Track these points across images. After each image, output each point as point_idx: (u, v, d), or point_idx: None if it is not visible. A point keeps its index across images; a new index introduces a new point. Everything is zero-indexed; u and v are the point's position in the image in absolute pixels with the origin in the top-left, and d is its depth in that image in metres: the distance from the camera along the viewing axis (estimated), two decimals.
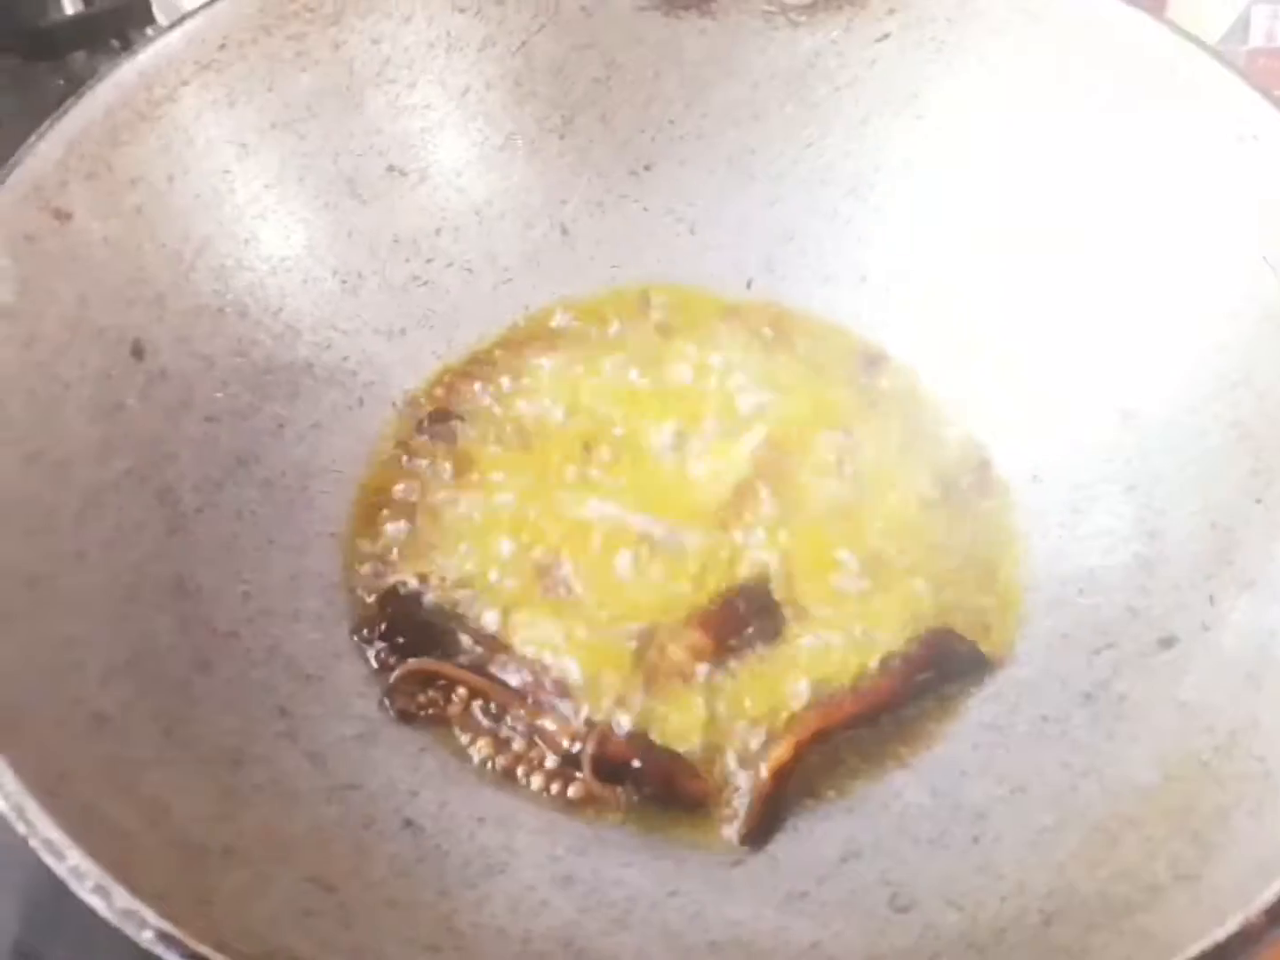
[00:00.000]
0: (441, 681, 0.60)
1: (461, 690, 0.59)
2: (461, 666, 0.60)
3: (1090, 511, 0.62)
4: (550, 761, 0.58)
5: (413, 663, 0.60)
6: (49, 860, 0.41)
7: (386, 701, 0.59)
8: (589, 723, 0.58)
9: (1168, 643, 0.56)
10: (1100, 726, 0.55)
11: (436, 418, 0.69)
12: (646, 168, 0.74)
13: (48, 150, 0.58)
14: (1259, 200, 0.60)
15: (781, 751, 0.57)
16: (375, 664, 0.60)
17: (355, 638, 0.61)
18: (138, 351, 0.60)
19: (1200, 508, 0.58)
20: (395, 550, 0.64)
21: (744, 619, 0.61)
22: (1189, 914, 0.43)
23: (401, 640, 0.60)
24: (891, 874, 0.53)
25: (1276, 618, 0.53)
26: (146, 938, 0.39)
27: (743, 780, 0.57)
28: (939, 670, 0.59)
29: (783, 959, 0.50)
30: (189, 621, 0.57)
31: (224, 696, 0.55)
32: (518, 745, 0.58)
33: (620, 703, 0.58)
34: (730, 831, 0.56)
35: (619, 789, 0.56)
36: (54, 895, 0.56)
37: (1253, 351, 0.59)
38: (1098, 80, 0.65)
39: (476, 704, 0.59)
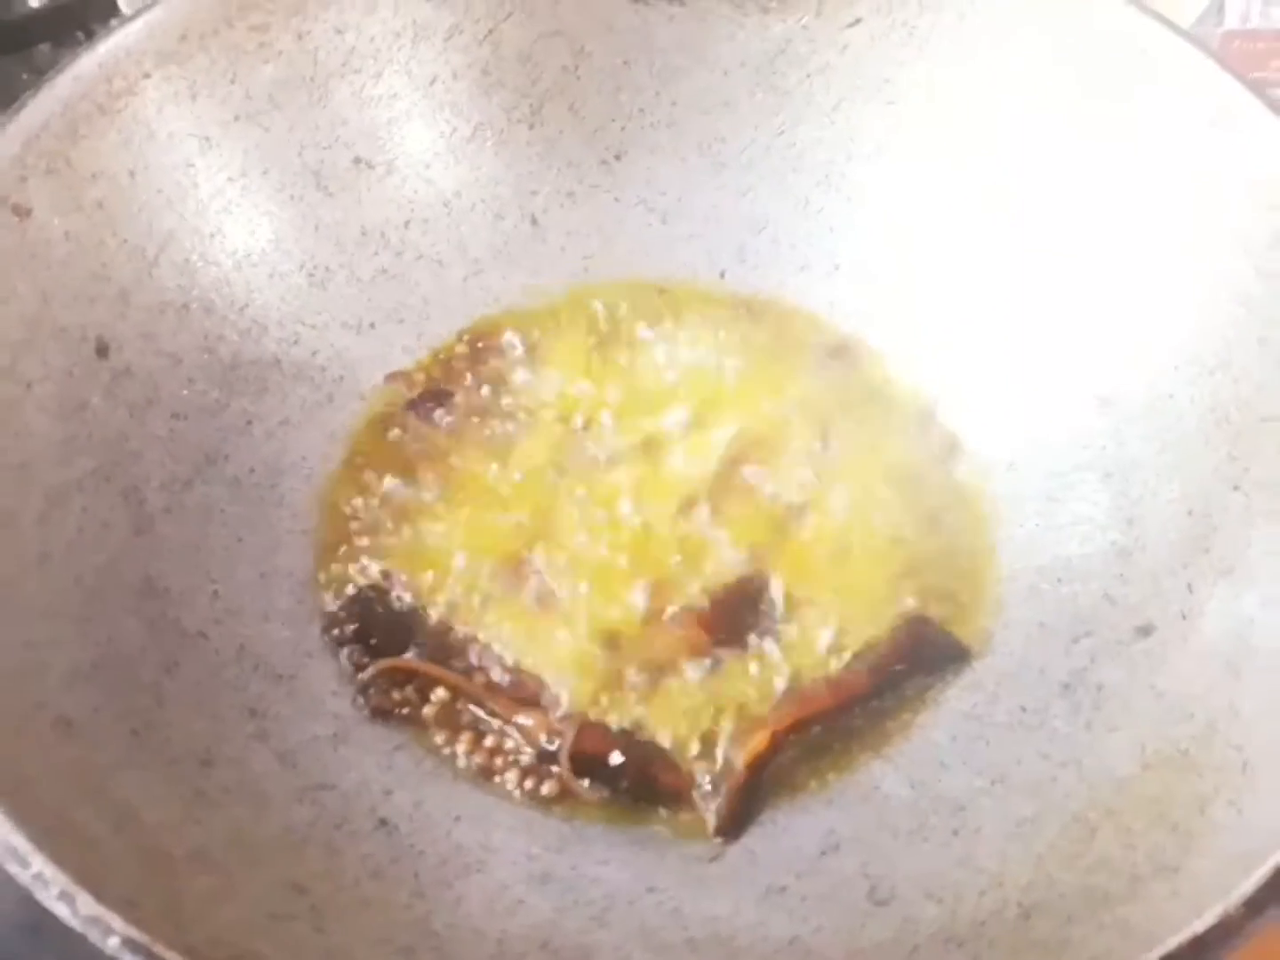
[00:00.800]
0: (416, 680, 0.59)
1: (439, 690, 0.59)
2: (436, 664, 0.59)
3: (1067, 499, 0.62)
4: (527, 758, 0.57)
5: (386, 661, 0.59)
6: (13, 868, 0.40)
7: (360, 699, 0.58)
8: (567, 718, 0.57)
9: (1145, 631, 0.55)
10: (1079, 716, 0.55)
11: (415, 407, 0.68)
12: (617, 157, 0.74)
13: (5, 145, 0.57)
14: (1233, 184, 0.59)
15: (757, 742, 0.56)
16: (349, 664, 0.59)
17: (326, 637, 0.60)
18: (101, 349, 0.60)
19: (1178, 495, 0.58)
20: (366, 546, 0.63)
21: (737, 614, 0.60)
22: (1168, 905, 0.43)
23: (374, 641, 0.60)
24: (871, 867, 0.52)
25: (1254, 605, 0.52)
26: (112, 944, 0.39)
27: (719, 772, 0.56)
28: (916, 661, 0.59)
29: (761, 954, 0.49)
30: (156, 623, 0.56)
31: (193, 698, 0.55)
32: (492, 742, 0.58)
33: (602, 698, 0.58)
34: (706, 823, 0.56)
35: (592, 784, 0.56)
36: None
37: (1229, 337, 0.59)
38: (1071, 64, 0.64)
39: (452, 702, 0.59)
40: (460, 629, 0.60)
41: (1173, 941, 0.39)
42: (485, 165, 0.72)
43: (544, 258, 0.73)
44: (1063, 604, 0.59)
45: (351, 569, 0.62)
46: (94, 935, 0.39)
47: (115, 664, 0.53)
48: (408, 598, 0.61)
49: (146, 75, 0.62)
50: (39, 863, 0.40)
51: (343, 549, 0.63)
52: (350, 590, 0.61)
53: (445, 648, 0.60)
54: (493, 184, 0.73)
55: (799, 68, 0.71)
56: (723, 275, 0.73)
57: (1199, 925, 0.40)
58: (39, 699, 0.49)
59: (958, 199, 0.68)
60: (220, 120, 0.65)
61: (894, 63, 0.69)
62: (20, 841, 0.40)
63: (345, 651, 0.60)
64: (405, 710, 0.58)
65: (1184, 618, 0.54)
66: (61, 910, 0.40)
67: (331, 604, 0.61)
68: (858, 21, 0.69)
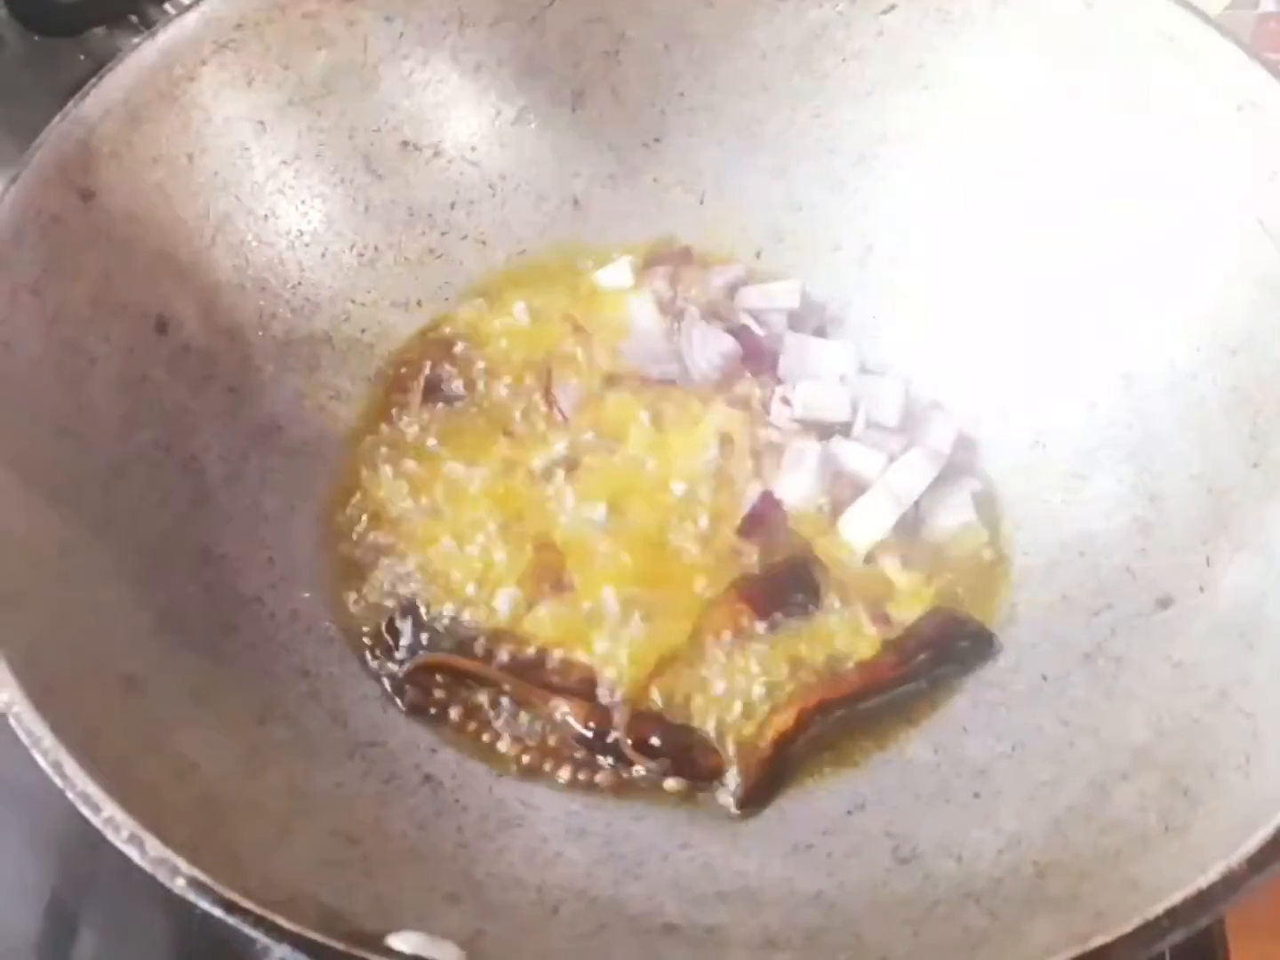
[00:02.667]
0: (453, 676, 0.60)
1: (476, 687, 0.60)
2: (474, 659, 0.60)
3: (1091, 476, 0.63)
4: (570, 749, 0.58)
5: (423, 657, 0.60)
6: (86, 812, 0.43)
7: (397, 699, 0.60)
8: (616, 705, 0.59)
9: (1164, 603, 0.57)
10: (1098, 685, 0.56)
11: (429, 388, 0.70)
12: (656, 140, 0.75)
13: (71, 130, 0.60)
14: (1258, 168, 0.60)
15: (784, 721, 0.58)
16: (390, 688, 0.60)
17: (369, 656, 0.61)
18: (161, 326, 0.62)
19: (1199, 472, 0.59)
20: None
21: (786, 591, 0.62)
22: (1176, 863, 0.45)
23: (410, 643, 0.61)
24: (894, 827, 0.54)
25: (1269, 579, 0.54)
26: (179, 885, 0.41)
27: (746, 749, 0.58)
28: (942, 650, 0.61)
29: (788, 907, 0.52)
30: (214, 587, 0.59)
31: (249, 659, 0.58)
32: (535, 741, 0.59)
33: (639, 681, 0.60)
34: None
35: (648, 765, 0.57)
36: (88, 854, 0.59)
37: (1252, 317, 0.60)
38: (1100, 49, 0.65)
39: (494, 700, 0.60)
40: (491, 625, 0.62)
41: (1178, 896, 0.41)
42: (529, 148, 0.74)
43: (585, 238, 0.75)
44: (1085, 577, 0.61)
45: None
46: (161, 875, 0.42)
47: (176, 626, 0.56)
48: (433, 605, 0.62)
49: (204, 62, 0.65)
50: (110, 808, 0.43)
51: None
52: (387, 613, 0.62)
53: (478, 646, 0.61)
54: (536, 166, 0.75)
55: (835, 52, 0.72)
56: (759, 255, 0.75)
57: (1203, 881, 0.41)
58: (106, 659, 0.51)
59: (987, 180, 0.70)
60: (275, 105, 0.67)
61: (928, 48, 0.70)
62: (93, 789, 0.43)
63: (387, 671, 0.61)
64: (438, 708, 0.60)
65: (1202, 590, 0.56)
66: (132, 852, 0.42)
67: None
68: (893, 8, 0.70)
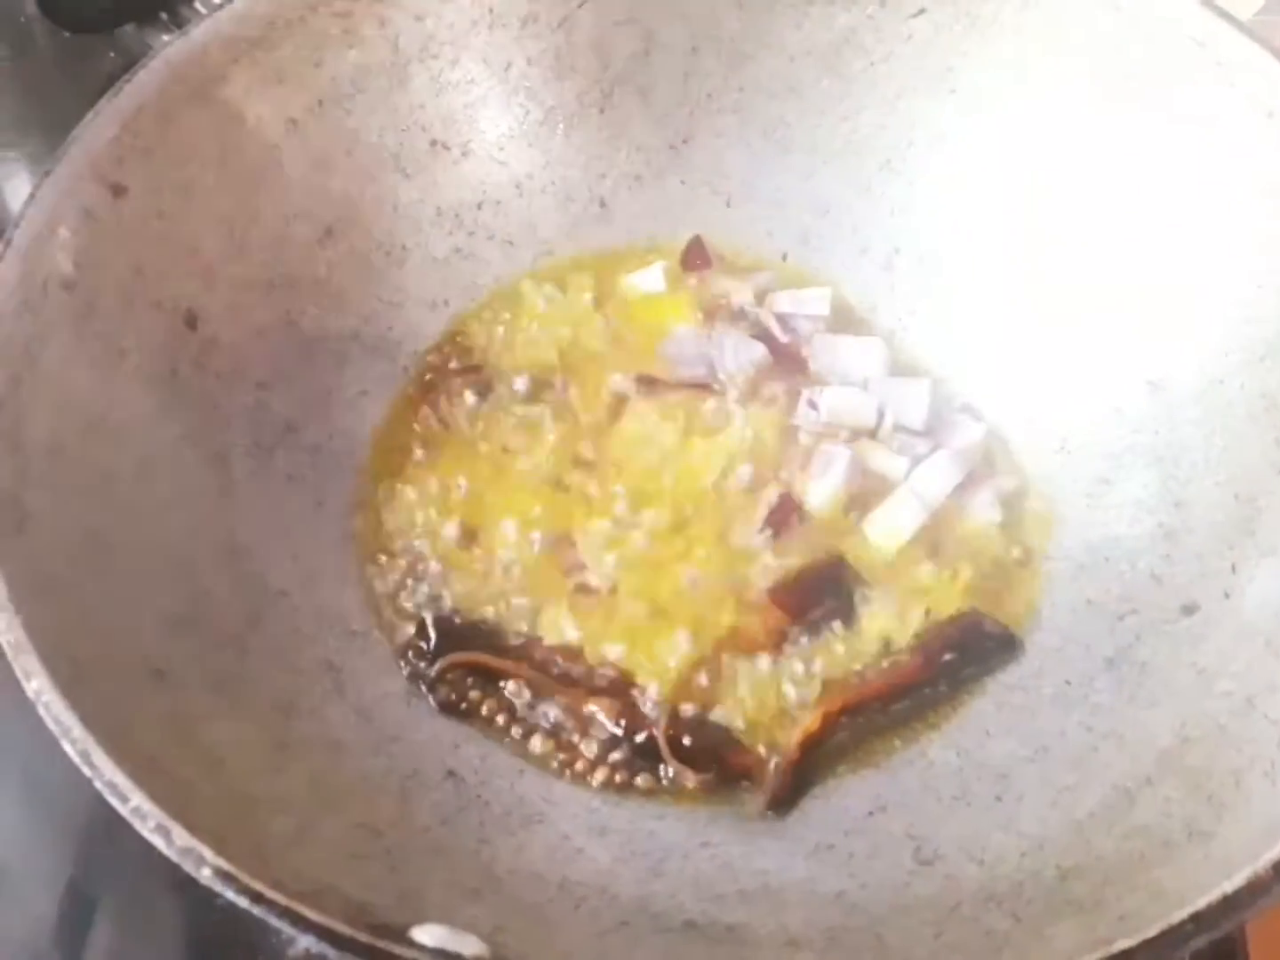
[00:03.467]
0: (484, 674, 0.61)
1: (511, 686, 0.60)
2: (505, 658, 0.61)
3: (1117, 481, 0.63)
4: (597, 749, 0.58)
5: (454, 656, 0.61)
6: (114, 802, 0.43)
7: (430, 697, 0.60)
8: (636, 704, 0.59)
9: (1190, 610, 0.57)
10: (1122, 691, 0.56)
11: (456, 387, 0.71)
12: (684, 141, 0.76)
13: (104, 127, 0.60)
14: None
15: (810, 722, 0.58)
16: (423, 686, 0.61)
17: (402, 663, 0.61)
18: (191, 321, 0.62)
19: (1225, 478, 0.59)
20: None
21: (818, 595, 0.62)
22: (1200, 869, 0.45)
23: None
24: (916, 829, 0.54)
25: None
26: (205, 874, 0.41)
27: (774, 752, 0.59)
28: (967, 652, 0.61)
29: (809, 907, 0.52)
30: (241, 581, 0.59)
31: (275, 652, 0.58)
32: (563, 736, 0.59)
33: (681, 684, 0.60)
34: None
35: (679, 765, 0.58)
36: (105, 843, 0.60)
37: (1279, 325, 0.59)
38: (1129, 55, 0.65)
39: (526, 698, 0.60)
40: (522, 625, 0.62)
41: (1202, 902, 0.41)
42: (556, 149, 0.75)
43: (612, 239, 0.76)
44: (1110, 582, 0.61)
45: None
46: (188, 865, 0.42)
47: (203, 618, 0.56)
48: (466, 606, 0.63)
49: (236, 61, 0.65)
50: (138, 798, 0.43)
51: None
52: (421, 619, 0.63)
53: (509, 645, 0.62)
54: (563, 167, 0.75)
55: (864, 56, 0.72)
56: (785, 258, 0.75)
57: (1228, 886, 0.41)
58: (134, 650, 0.51)
59: (1015, 184, 0.70)
60: (305, 104, 0.68)
61: (956, 52, 0.70)
62: (121, 779, 0.43)
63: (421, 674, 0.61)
64: (470, 706, 0.60)
65: (1227, 597, 0.56)
66: (159, 841, 0.42)
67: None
68: (922, 12, 0.70)
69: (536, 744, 0.59)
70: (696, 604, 0.62)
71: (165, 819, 0.42)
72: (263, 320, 0.66)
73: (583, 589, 0.63)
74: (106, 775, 0.43)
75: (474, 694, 0.60)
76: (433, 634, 0.61)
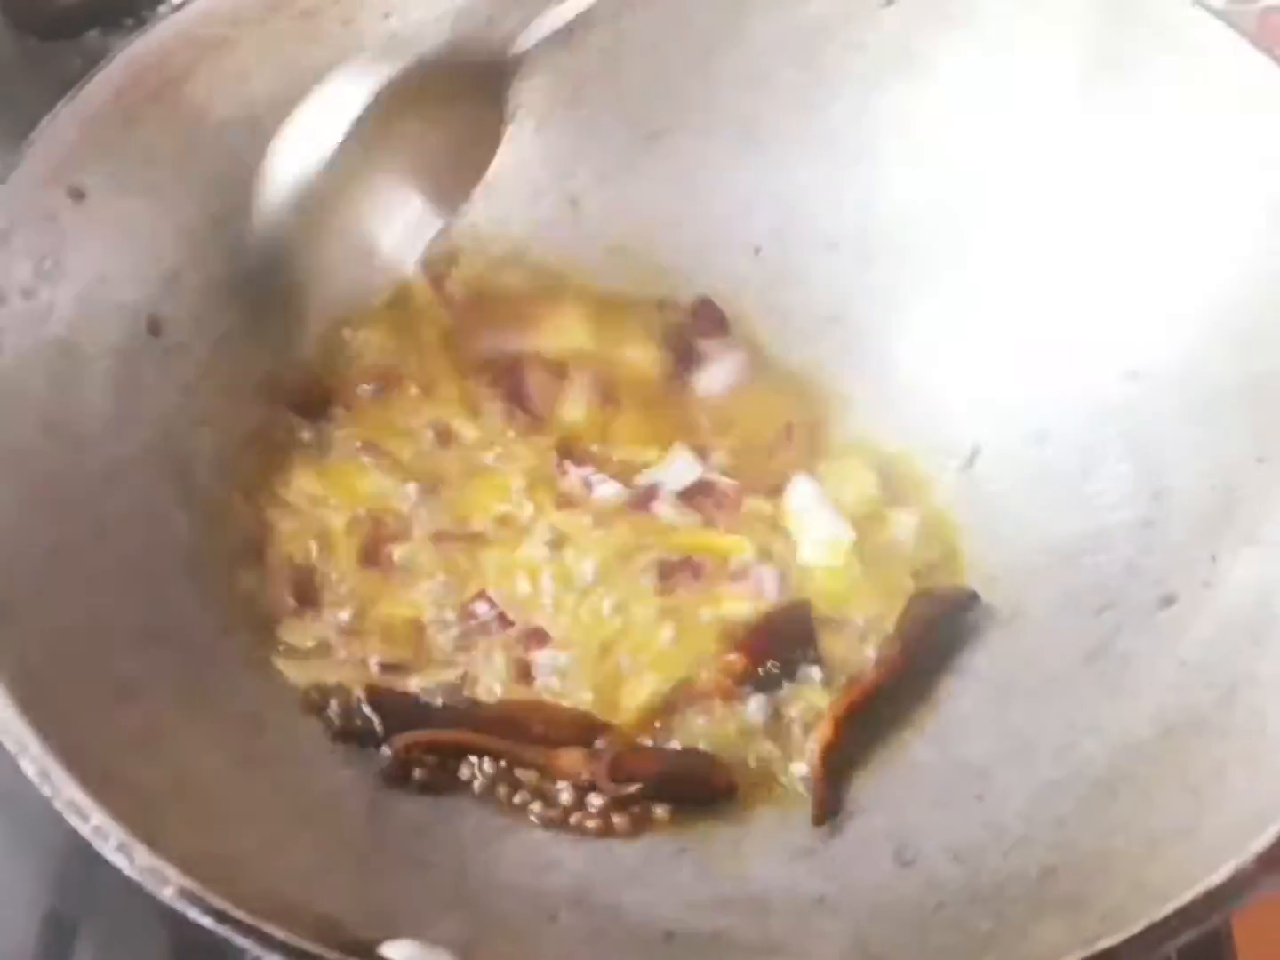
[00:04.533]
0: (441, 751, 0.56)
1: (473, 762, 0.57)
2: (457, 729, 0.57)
3: (1095, 472, 0.63)
4: (572, 797, 0.56)
5: (405, 736, 0.56)
6: (74, 821, 0.42)
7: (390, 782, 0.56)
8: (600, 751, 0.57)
9: (1169, 601, 0.56)
10: (1103, 684, 0.56)
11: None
12: (655, 137, 0.74)
13: (62, 130, 0.59)
14: (1266, 162, 0.60)
15: (823, 733, 0.57)
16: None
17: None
18: (154, 328, 0.61)
19: (1204, 468, 0.59)
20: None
21: (781, 642, 0.61)
22: (1185, 864, 0.44)
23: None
24: (897, 830, 0.54)
25: (1277, 574, 0.53)
26: (168, 894, 0.41)
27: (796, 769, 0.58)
28: (938, 619, 0.61)
29: (791, 912, 0.51)
30: (207, 592, 0.58)
31: (243, 664, 0.57)
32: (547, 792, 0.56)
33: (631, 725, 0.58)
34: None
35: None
36: (87, 865, 0.59)
37: (1259, 312, 0.59)
38: (1104, 42, 0.65)
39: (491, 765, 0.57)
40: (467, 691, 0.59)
41: (1187, 896, 0.40)
42: (525, 146, 0.73)
43: (582, 238, 0.74)
44: (1088, 574, 0.60)
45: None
46: (151, 884, 0.41)
47: (169, 631, 0.55)
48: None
49: (198, 61, 0.64)
50: (98, 817, 0.42)
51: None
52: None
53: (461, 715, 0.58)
54: (531, 165, 0.74)
55: (835, 46, 0.71)
56: (757, 252, 0.74)
57: (1213, 880, 0.41)
58: (97, 664, 0.51)
59: (988, 174, 0.69)
60: (269, 104, 0.66)
61: (930, 42, 0.69)
62: (80, 797, 0.42)
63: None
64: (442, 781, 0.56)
65: (1207, 587, 0.55)
66: (120, 861, 0.41)
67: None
68: (893, 1, 0.69)
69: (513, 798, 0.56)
70: (655, 651, 0.60)
71: (127, 837, 0.42)
72: (228, 326, 0.65)
73: (533, 639, 0.60)
74: (65, 794, 0.42)
75: (432, 770, 0.56)
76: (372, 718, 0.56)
